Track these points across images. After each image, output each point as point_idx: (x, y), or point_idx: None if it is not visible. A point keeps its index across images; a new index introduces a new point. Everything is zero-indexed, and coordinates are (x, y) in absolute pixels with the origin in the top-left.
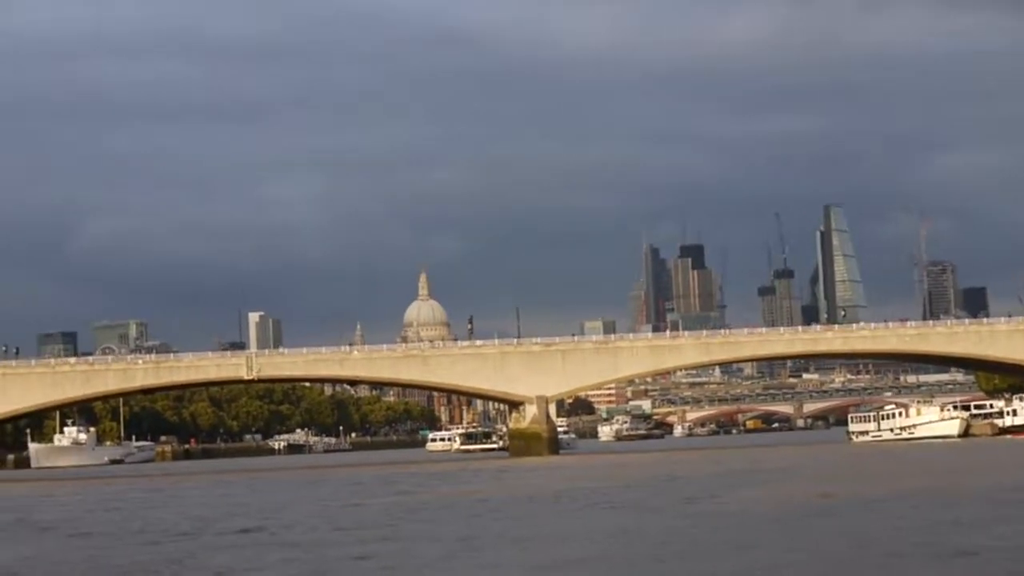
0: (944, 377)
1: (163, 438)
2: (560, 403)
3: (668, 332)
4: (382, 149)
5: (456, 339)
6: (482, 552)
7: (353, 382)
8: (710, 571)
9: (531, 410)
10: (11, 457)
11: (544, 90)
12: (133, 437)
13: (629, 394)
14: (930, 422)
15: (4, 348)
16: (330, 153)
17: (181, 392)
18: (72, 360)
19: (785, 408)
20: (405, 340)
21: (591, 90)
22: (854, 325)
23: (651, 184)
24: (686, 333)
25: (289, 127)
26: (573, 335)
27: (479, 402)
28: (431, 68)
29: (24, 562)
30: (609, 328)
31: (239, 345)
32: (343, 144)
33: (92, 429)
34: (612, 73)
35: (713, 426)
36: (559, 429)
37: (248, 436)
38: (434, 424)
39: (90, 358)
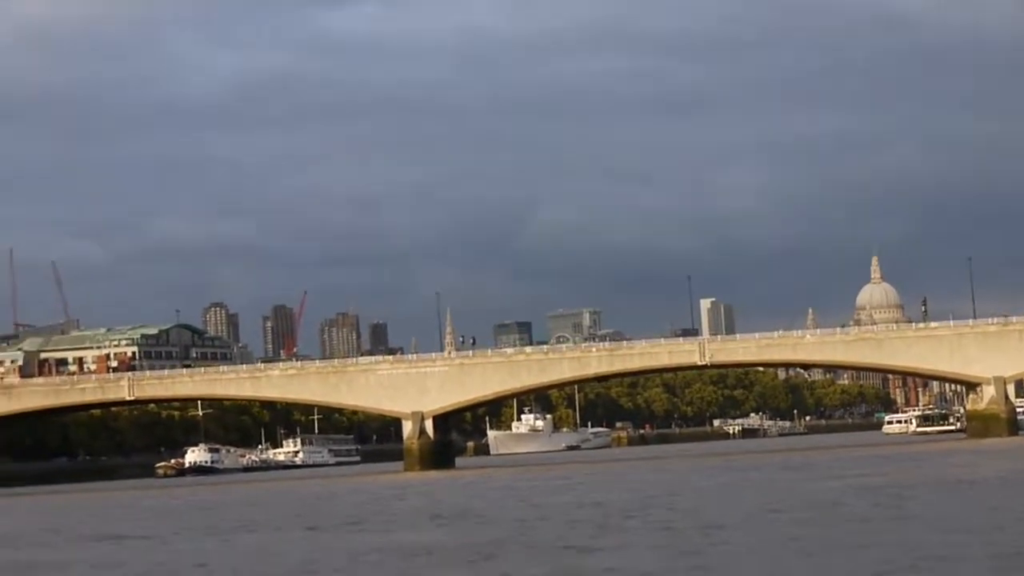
0: None
1: (618, 424)
2: (1020, 383)
3: None
4: (826, 134)
5: (910, 321)
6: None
7: (806, 366)
8: None
9: (988, 391)
10: (471, 444)
11: (982, 68)
12: (589, 423)
13: None
14: None
15: (462, 339)
16: (775, 140)
17: (635, 378)
18: (528, 349)
19: None
20: (858, 323)
21: None
22: None
23: None
24: None
25: (734, 116)
26: None
27: (935, 384)
28: (871, 51)
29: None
30: None
31: (691, 331)
32: (788, 131)
33: (548, 416)
34: None
35: None
36: (1018, 410)
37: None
38: (889, 406)
39: (545, 347)
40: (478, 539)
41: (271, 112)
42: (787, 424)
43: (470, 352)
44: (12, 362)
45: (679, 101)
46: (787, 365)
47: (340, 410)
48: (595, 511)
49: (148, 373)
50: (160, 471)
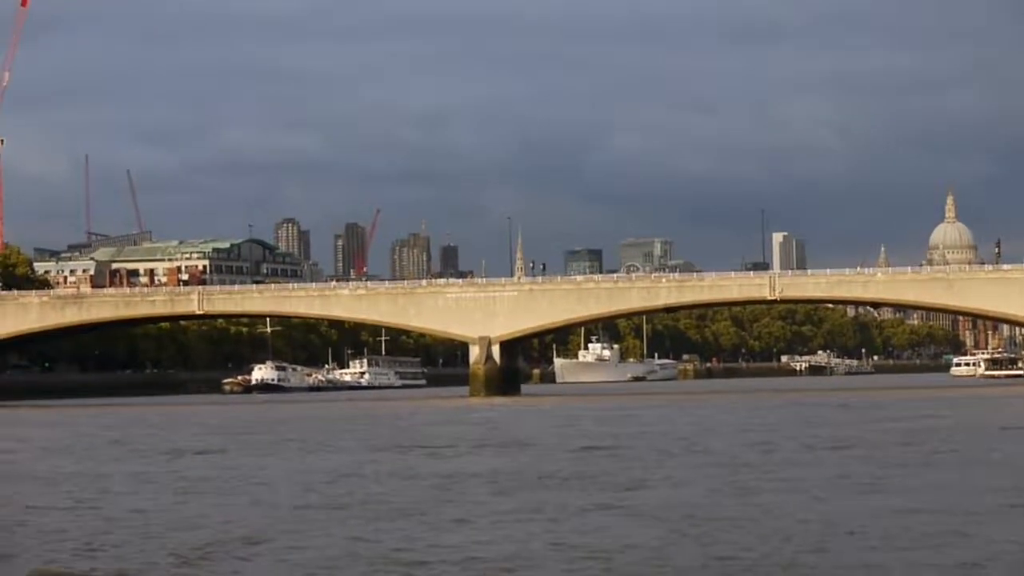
0: None
1: (685, 357)
2: None
3: None
4: (901, 70)
5: (983, 263)
6: None
7: (876, 304)
8: None
9: None
10: (536, 371)
11: None
12: (655, 355)
13: None
14: None
15: (532, 264)
16: (850, 74)
17: (704, 311)
18: (597, 277)
19: None
20: (931, 263)
21: None
22: None
23: None
24: None
25: (809, 47)
26: None
27: (1005, 327)
28: None
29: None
30: None
31: (762, 265)
32: (863, 65)
33: (616, 346)
34: None
35: None
36: None
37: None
38: (958, 348)
39: (615, 275)
40: (528, 468)
41: (342, 24)
42: (854, 363)
43: (539, 278)
44: (84, 271)
45: (754, 30)
46: (857, 303)
47: (408, 332)
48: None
49: (218, 288)
50: (227, 387)
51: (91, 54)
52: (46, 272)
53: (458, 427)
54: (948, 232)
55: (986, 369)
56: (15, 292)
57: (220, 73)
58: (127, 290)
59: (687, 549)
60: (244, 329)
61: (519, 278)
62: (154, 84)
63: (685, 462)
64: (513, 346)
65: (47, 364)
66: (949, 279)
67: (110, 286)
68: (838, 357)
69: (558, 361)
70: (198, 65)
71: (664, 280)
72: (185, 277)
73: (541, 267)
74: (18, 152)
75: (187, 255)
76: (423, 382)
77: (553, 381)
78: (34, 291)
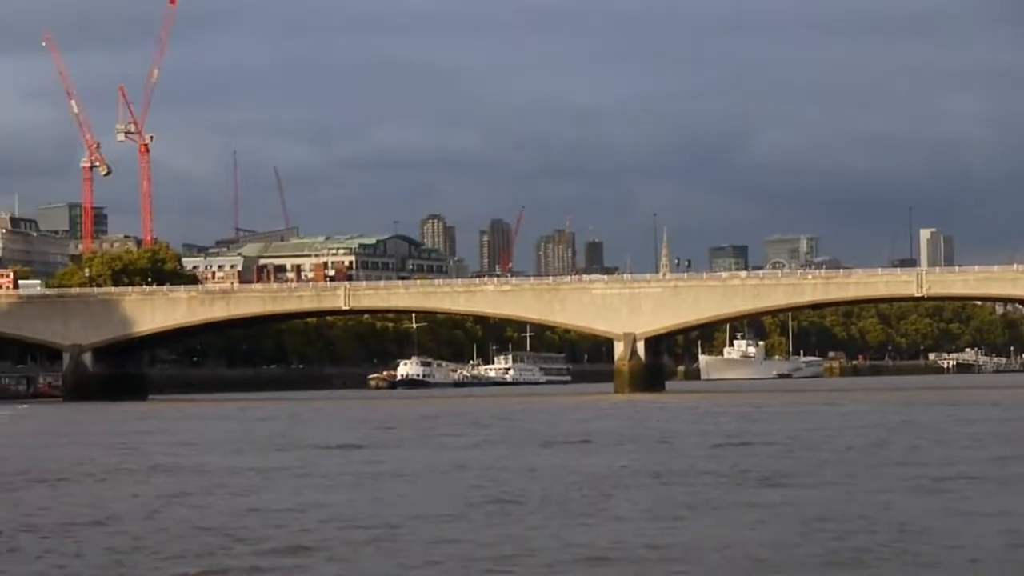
0: None
1: (831, 354)
2: None
3: None
4: None
5: None
6: None
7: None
8: None
9: None
10: (681, 368)
11: None
12: (801, 352)
13: None
14: None
15: (677, 260)
16: (1003, 68)
17: (850, 308)
18: (743, 274)
19: None
20: None
21: None
22: None
23: None
24: None
25: (962, 40)
26: None
27: None
28: None
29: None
30: None
31: (909, 262)
32: (1017, 58)
33: (761, 343)
34: None
35: None
36: None
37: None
38: None
39: (760, 272)
40: (664, 464)
41: (493, 20)
42: (1003, 361)
43: (684, 274)
44: (231, 267)
45: (907, 23)
46: (1006, 300)
47: (552, 328)
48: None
49: (364, 283)
50: (372, 382)
51: (241, 52)
52: (194, 267)
53: (609, 421)
54: None
55: None
56: (164, 287)
57: (372, 70)
58: (274, 285)
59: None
60: (390, 325)
61: (664, 274)
62: (303, 81)
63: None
64: (658, 343)
65: (195, 358)
66: None
67: (257, 281)
68: (986, 355)
69: (703, 358)
70: (349, 62)
71: (810, 277)
72: (331, 273)
73: (686, 263)
74: (167, 149)
75: (333, 251)
76: (568, 378)
77: (697, 378)
78: (182, 286)
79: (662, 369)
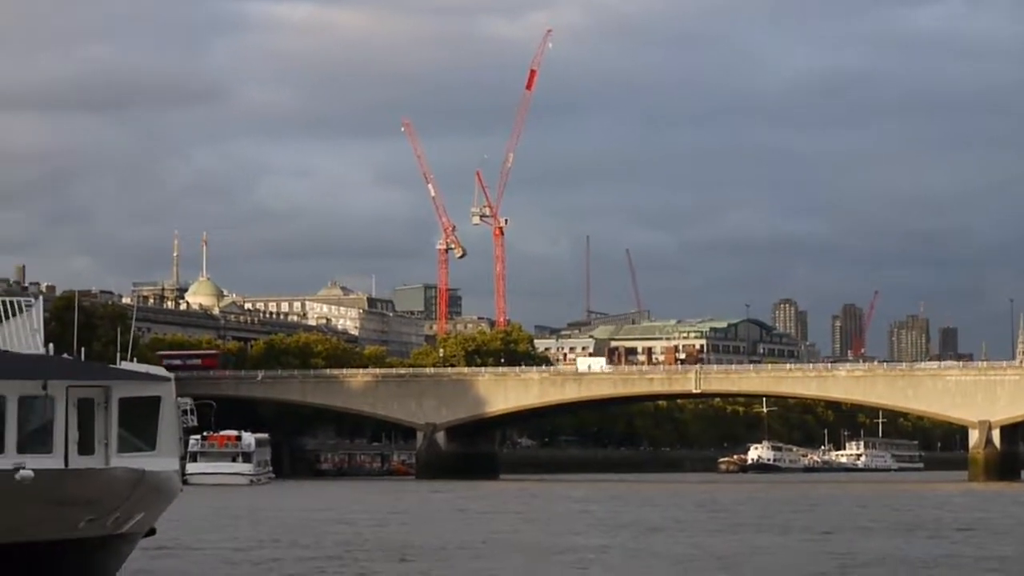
0: None
1: None
2: None
3: None
4: None
5: None
6: None
7: None
8: None
9: None
10: None
11: None
12: None
13: None
14: None
15: None
16: None
17: None
18: None
19: None
20: None
21: None
22: None
23: None
24: None
25: None
26: None
27: None
28: None
29: None
30: None
31: None
32: None
33: None
34: None
35: None
36: None
37: None
38: None
39: None
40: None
41: (844, 108)
42: None
43: None
44: (583, 349)
45: None
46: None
47: (905, 414)
48: None
49: (715, 367)
50: (723, 466)
51: (595, 138)
52: (546, 349)
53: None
54: None
55: None
56: (517, 368)
57: (722, 157)
58: (626, 368)
59: None
60: (740, 408)
61: (1021, 361)
62: (655, 167)
63: None
64: (1014, 431)
65: (546, 439)
66: None
67: (608, 363)
68: None
69: None
70: (700, 149)
71: None
72: (682, 356)
73: None
74: (521, 232)
75: (684, 334)
76: (920, 465)
77: None
78: (535, 367)
79: (1017, 457)
